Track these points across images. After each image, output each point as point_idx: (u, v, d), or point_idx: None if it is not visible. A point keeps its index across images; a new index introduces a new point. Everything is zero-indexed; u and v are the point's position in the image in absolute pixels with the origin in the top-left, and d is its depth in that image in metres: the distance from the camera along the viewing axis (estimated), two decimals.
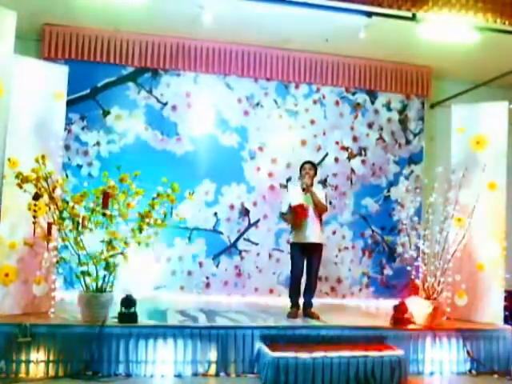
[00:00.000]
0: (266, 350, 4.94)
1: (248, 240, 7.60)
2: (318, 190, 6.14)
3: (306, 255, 6.01)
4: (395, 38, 6.82)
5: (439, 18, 5.79)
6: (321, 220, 6.11)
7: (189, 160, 7.44)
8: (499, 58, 6.91)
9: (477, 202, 5.97)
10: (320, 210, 6.03)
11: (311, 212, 5.96)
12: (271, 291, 7.57)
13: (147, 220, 5.24)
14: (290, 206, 5.99)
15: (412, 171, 8.17)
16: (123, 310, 5.10)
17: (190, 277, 7.37)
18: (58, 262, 5.36)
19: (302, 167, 6.18)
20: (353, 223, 7.95)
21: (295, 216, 5.89)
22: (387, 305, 6.50)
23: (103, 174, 5.27)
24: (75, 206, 5.10)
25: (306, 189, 5.94)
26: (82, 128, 7.20)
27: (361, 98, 8.05)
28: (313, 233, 5.95)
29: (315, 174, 6.19)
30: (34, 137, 5.44)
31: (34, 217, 5.11)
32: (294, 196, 6.03)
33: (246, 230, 7.61)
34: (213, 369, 5.05)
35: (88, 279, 5.12)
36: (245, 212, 7.62)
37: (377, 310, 6.94)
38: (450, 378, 5.42)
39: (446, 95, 8.01)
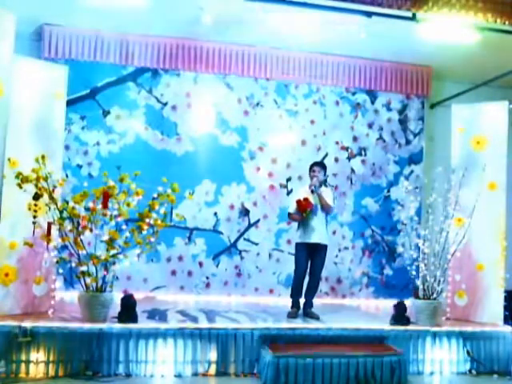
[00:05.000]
0: (265, 350, 4.95)
1: (248, 240, 7.60)
2: (325, 191, 6.12)
3: (311, 255, 6.01)
4: (395, 38, 6.81)
5: (439, 18, 5.79)
6: (327, 221, 6.11)
7: (189, 160, 7.44)
8: (499, 58, 6.90)
9: (477, 202, 5.96)
10: (327, 211, 6.04)
11: (318, 213, 5.97)
12: (271, 291, 7.56)
13: (147, 220, 5.24)
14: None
15: (412, 171, 8.17)
16: (123, 309, 5.09)
17: (190, 277, 7.37)
18: (57, 262, 5.36)
19: (311, 168, 6.14)
20: (353, 223, 7.95)
21: (299, 208, 5.88)
22: (387, 305, 6.50)
23: (103, 174, 5.27)
24: (75, 205, 5.09)
25: (315, 191, 5.94)
26: (82, 128, 7.19)
27: (361, 98, 8.05)
28: (318, 233, 5.95)
29: (324, 174, 6.18)
30: (34, 137, 5.44)
31: (34, 217, 5.11)
32: (302, 196, 6.02)
33: (246, 230, 7.61)
34: (213, 369, 5.04)
35: (88, 279, 5.11)
36: (245, 212, 7.62)
37: (377, 309, 6.94)
38: (449, 378, 5.41)
39: (446, 95, 8.00)
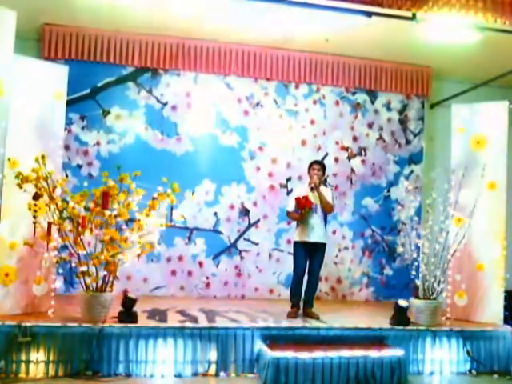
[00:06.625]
0: (266, 349, 4.94)
1: (248, 240, 7.60)
2: (325, 190, 6.10)
3: (309, 254, 6.01)
4: (395, 38, 6.82)
5: (439, 18, 5.79)
6: (325, 220, 6.11)
7: (189, 160, 7.44)
8: (499, 58, 6.91)
9: (477, 202, 5.96)
10: (327, 209, 6.03)
11: (318, 211, 5.96)
12: (271, 291, 7.57)
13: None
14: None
15: (412, 171, 8.18)
16: (123, 310, 5.10)
17: (190, 277, 7.38)
18: (57, 261, 5.36)
19: (310, 167, 6.11)
20: (353, 223, 7.95)
21: (298, 205, 5.87)
22: (387, 305, 6.49)
23: (103, 174, 5.27)
24: (75, 205, 5.09)
25: (315, 188, 5.93)
26: (82, 128, 7.20)
27: (361, 98, 8.05)
28: (317, 232, 5.95)
29: (323, 173, 6.18)
30: (34, 137, 5.43)
31: (34, 217, 5.10)
32: (302, 195, 6.01)
33: (246, 229, 7.61)
34: (213, 369, 5.04)
35: (88, 279, 5.11)
36: (245, 212, 7.62)
37: (377, 310, 6.93)
38: (449, 378, 5.41)
39: (446, 95, 8.01)
